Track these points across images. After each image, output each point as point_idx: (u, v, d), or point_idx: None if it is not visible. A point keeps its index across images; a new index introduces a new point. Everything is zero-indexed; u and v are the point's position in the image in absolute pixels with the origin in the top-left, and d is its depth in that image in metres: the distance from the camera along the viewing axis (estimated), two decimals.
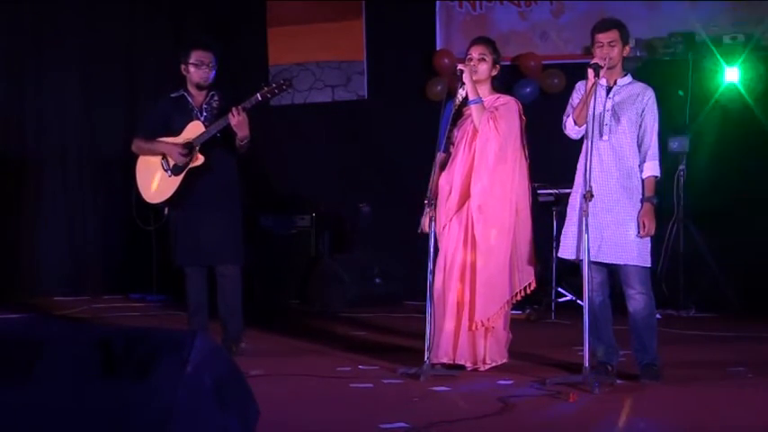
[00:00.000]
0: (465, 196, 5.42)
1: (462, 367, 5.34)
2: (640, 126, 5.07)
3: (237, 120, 5.64)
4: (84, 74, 9.41)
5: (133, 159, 6.07)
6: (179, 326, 6.34)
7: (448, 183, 5.46)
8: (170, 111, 5.96)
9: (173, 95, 5.99)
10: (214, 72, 5.92)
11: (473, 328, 5.33)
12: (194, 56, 5.89)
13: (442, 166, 5.50)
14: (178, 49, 6.20)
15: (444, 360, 5.35)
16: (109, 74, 9.49)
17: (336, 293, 8.55)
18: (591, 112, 4.95)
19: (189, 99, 5.95)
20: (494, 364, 5.37)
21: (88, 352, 2.82)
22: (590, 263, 4.92)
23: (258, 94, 5.67)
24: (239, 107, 5.64)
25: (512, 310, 5.57)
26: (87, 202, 9.45)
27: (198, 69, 5.89)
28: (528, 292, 5.47)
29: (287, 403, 4.53)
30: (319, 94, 9.68)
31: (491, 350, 5.38)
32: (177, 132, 5.88)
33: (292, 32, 9.68)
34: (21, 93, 9.24)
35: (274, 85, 5.75)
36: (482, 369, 5.35)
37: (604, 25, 5.12)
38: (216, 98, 5.95)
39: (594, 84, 4.94)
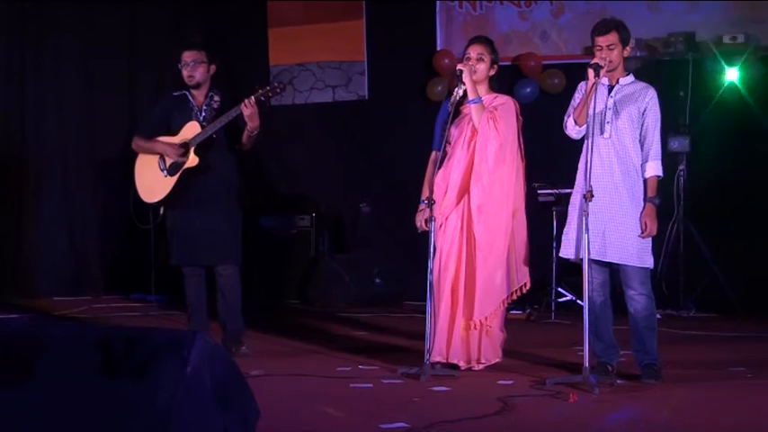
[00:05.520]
0: (462, 195, 5.41)
1: (456, 366, 5.34)
2: (642, 125, 5.07)
3: (251, 110, 5.67)
4: (85, 74, 9.40)
5: (133, 159, 6.08)
6: (179, 326, 6.34)
7: (444, 181, 5.44)
8: (171, 109, 6.00)
9: (175, 94, 6.03)
10: (201, 69, 5.92)
11: (471, 327, 5.33)
12: (182, 57, 5.95)
13: (438, 165, 5.50)
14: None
15: (438, 359, 5.34)
16: (109, 74, 9.48)
17: (336, 293, 8.54)
18: (592, 111, 4.94)
19: (190, 98, 5.97)
20: (488, 364, 5.37)
21: (88, 352, 2.81)
22: (591, 263, 4.93)
23: (253, 97, 5.69)
24: (251, 98, 5.67)
25: (512, 310, 5.57)
26: (87, 203, 9.44)
27: (184, 69, 5.93)
28: (523, 291, 5.46)
29: (287, 403, 4.53)
30: (320, 94, 9.68)
31: (485, 350, 5.37)
32: (176, 131, 5.90)
33: (293, 33, 9.67)
34: (21, 93, 9.24)
35: (268, 87, 5.78)
36: (476, 368, 5.35)
37: (603, 28, 5.09)
38: (216, 99, 5.96)
39: (595, 84, 4.94)
